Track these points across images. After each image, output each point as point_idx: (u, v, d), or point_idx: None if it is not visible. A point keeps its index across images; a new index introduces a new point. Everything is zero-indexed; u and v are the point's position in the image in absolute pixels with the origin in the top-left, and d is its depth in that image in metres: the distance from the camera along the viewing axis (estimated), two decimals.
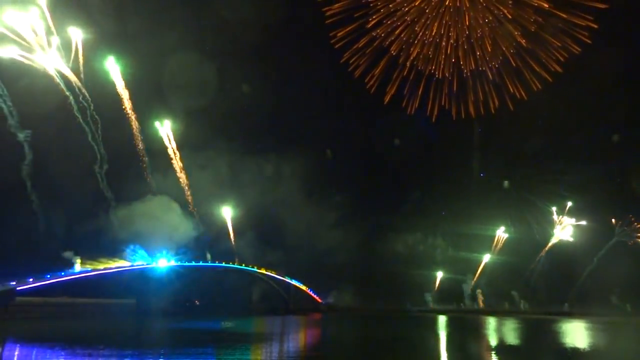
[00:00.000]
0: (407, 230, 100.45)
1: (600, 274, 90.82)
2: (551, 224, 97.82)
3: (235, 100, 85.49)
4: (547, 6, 79.45)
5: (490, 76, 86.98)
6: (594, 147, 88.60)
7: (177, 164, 79.84)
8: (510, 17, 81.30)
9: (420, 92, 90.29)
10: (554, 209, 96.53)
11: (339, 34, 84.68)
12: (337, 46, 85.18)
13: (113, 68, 70.00)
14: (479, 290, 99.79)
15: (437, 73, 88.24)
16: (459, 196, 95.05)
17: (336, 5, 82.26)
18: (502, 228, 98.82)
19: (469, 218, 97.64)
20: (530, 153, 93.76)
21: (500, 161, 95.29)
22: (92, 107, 67.31)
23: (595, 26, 78.10)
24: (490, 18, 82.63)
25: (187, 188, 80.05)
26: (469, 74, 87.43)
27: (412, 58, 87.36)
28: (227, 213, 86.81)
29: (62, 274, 68.99)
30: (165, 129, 78.11)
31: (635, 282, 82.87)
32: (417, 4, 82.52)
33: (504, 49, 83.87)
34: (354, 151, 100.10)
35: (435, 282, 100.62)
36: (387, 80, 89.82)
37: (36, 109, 62.33)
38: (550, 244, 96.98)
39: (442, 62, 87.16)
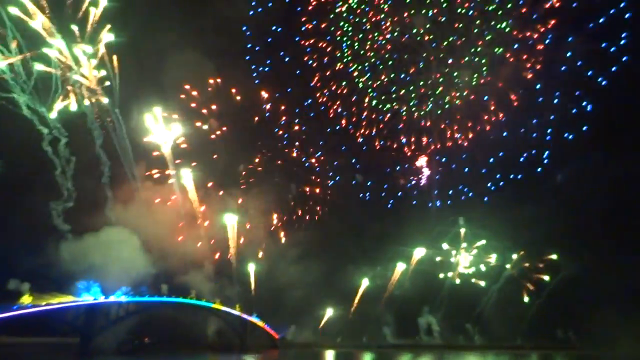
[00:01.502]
0: (367, 264, 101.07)
1: (547, 307, 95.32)
2: (502, 258, 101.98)
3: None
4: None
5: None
6: (549, 184, 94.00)
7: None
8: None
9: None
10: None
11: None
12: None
13: None
14: (435, 324, 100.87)
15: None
16: (416, 233, 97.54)
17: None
18: (459, 263, 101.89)
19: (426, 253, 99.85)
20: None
21: (456, 201, 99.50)
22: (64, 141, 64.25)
23: None
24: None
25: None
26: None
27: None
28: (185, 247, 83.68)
29: None
30: None
31: (578, 315, 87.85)
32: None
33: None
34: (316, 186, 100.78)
35: (392, 316, 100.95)
36: None
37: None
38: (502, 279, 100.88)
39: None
